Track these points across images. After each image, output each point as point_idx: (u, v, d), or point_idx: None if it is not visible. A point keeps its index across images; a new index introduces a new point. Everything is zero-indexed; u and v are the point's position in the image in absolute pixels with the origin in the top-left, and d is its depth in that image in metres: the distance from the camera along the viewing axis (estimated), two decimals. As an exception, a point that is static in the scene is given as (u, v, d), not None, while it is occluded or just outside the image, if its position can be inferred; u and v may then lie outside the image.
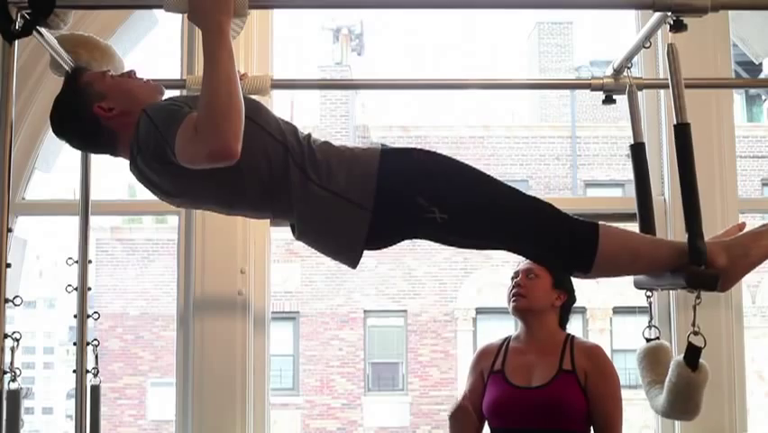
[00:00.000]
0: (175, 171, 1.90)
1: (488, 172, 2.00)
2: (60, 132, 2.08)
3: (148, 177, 1.99)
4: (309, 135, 2.01)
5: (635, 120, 2.56)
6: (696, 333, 1.99)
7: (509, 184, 2.02)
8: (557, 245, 1.97)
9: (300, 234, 2.01)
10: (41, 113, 3.15)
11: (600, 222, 1.98)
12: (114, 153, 2.07)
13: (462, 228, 1.97)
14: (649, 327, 2.50)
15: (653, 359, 2.43)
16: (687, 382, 2.07)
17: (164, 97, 2.10)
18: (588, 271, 1.96)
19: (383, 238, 1.98)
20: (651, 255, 1.99)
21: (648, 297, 2.52)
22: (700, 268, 1.93)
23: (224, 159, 1.78)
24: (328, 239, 2.00)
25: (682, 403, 2.12)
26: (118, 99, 2.01)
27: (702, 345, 2.00)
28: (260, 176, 1.94)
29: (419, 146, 2.08)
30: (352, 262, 1.98)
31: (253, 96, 2.50)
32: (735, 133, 3.19)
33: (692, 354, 2.03)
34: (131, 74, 2.09)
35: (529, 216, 1.97)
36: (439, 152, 2.03)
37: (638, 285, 2.33)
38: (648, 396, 2.38)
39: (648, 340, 2.49)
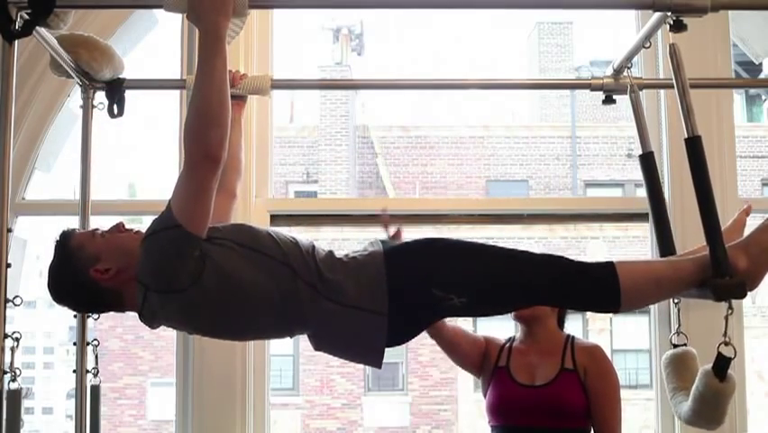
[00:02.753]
0: (186, 300, 1.87)
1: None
2: (60, 301, 2.00)
3: (160, 318, 1.94)
4: (313, 247, 1.97)
5: (641, 127, 2.53)
6: (726, 343, 1.96)
7: (516, 248, 2.02)
8: (581, 294, 1.98)
9: (319, 346, 2.01)
10: (41, 113, 3.16)
11: (615, 260, 1.97)
12: (122, 309, 2.00)
13: (484, 304, 1.99)
14: (677, 333, 2.48)
15: (679, 365, 2.41)
16: (714, 391, 2.03)
17: None
18: (618, 309, 1.95)
19: (404, 334, 1.97)
20: (673, 278, 1.99)
21: (676, 303, 2.52)
22: (725, 279, 1.92)
23: (209, 165, 1.81)
24: (349, 349, 2.02)
25: (708, 412, 2.10)
26: (113, 258, 1.92)
27: (732, 356, 1.97)
28: (271, 302, 1.91)
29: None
30: (377, 364, 1.96)
31: (254, 96, 2.50)
32: (735, 133, 3.19)
33: (721, 364, 1.99)
34: (119, 227, 2.00)
35: (546, 275, 1.97)
36: (437, 236, 2.01)
37: None
38: (672, 402, 2.35)
39: (675, 346, 2.47)
